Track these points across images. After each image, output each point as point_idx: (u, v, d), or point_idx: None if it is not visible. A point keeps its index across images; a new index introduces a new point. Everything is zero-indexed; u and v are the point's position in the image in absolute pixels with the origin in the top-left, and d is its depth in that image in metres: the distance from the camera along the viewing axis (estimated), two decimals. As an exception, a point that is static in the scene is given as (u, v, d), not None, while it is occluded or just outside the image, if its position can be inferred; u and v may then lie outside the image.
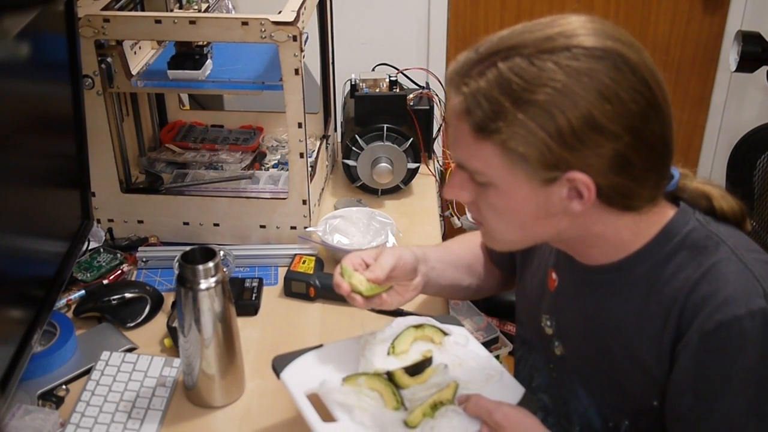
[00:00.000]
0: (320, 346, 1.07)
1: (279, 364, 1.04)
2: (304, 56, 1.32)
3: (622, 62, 0.83)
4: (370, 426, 0.94)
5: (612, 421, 1.00)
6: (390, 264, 1.05)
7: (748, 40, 1.92)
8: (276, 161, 1.67)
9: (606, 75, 0.82)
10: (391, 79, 1.68)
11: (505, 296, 1.33)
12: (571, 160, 0.83)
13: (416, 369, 1.02)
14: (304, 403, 0.97)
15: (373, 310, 1.31)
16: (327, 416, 0.96)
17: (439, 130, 1.79)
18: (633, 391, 0.96)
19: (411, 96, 1.65)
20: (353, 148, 1.62)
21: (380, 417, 0.95)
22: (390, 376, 1.00)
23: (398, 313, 1.20)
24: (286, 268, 1.38)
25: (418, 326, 1.09)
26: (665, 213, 0.93)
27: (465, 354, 1.07)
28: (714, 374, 0.87)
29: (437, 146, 1.80)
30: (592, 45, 0.82)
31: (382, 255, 1.07)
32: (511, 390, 1.00)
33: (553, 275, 1.05)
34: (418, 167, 1.66)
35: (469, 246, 1.26)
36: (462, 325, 1.13)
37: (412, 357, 1.05)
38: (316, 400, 0.99)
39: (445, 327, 1.10)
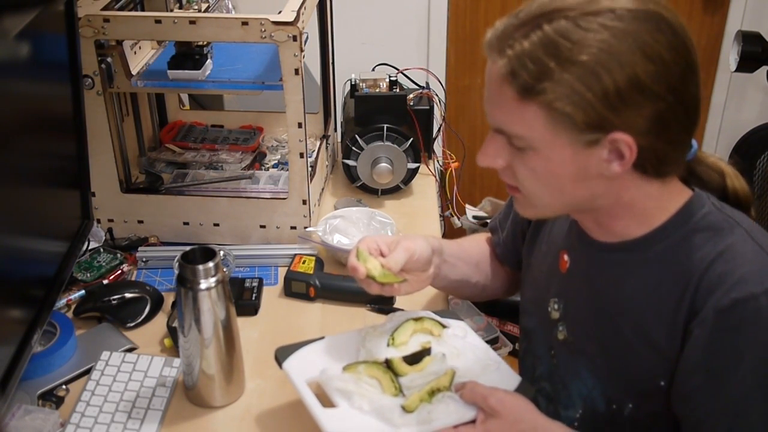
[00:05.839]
0: (322, 338, 1.10)
1: (282, 354, 1.06)
2: (304, 56, 1.32)
3: (664, 23, 0.84)
4: (369, 411, 0.97)
5: (616, 404, 1.00)
6: (403, 260, 1.05)
7: (748, 40, 1.92)
8: (276, 161, 1.67)
9: (650, 35, 0.83)
10: (391, 79, 1.68)
11: (506, 296, 1.34)
12: (614, 121, 0.84)
13: (415, 358, 1.04)
14: (304, 390, 0.99)
15: (372, 311, 1.31)
16: (327, 403, 0.98)
17: (439, 129, 1.79)
18: (640, 372, 0.96)
19: (411, 96, 1.65)
20: (353, 148, 1.62)
21: (378, 402, 0.97)
22: (389, 364, 1.02)
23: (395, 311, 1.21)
24: (286, 268, 1.38)
25: (417, 319, 1.11)
26: (682, 193, 0.95)
27: (463, 345, 1.09)
28: (728, 351, 0.88)
29: (437, 146, 1.79)
30: (635, 7, 0.84)
31: (396, 250, 1.06)
32: (508, 379, 1.02)
33: (565, 257, 1.06)
34: (418, 167, 1.66)
35: (478, 244, 1.28)
36: (462, 320, 1.14)
37: (412, 348, 1.07)
38: (317, 389, 1.01)
39: (444, 320, 1.12)
